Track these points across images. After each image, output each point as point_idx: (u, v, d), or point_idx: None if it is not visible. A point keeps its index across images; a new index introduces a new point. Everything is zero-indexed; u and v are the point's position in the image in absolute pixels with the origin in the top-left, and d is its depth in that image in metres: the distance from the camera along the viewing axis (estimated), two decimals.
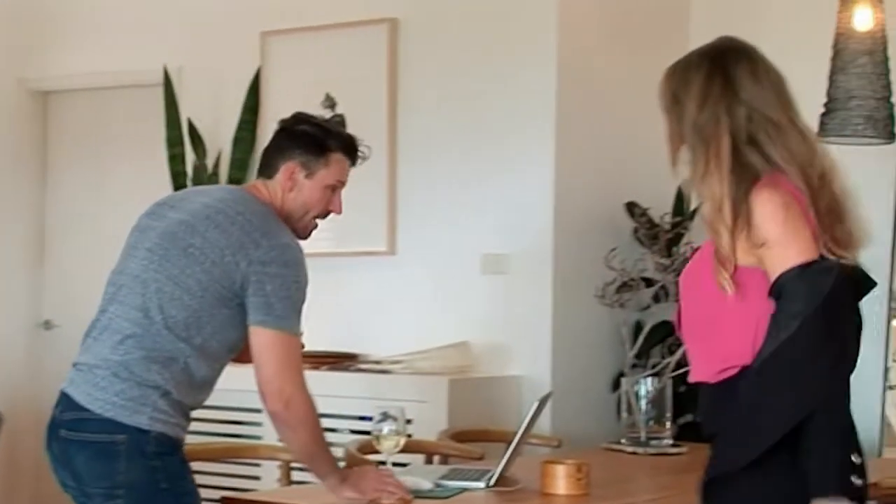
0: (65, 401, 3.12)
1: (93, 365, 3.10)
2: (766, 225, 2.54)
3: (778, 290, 2.49)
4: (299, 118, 3.40)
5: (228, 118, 5.82)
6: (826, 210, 2.62)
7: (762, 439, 2.47)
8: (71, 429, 3.08)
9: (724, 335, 2.58)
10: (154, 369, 3.06)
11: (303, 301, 3.15)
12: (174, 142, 5.83)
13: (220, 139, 5.85)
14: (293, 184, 3.27)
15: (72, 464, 3.09)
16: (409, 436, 3.49)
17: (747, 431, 2.51)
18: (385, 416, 3.42)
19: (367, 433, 4.73)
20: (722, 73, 2.66)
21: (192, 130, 5.83)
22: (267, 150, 3.37)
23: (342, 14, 5.56)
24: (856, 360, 2.53)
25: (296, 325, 3.14)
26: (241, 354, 3.22)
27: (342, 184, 3.34)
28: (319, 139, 3.31)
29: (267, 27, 5.76)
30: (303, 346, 3.25)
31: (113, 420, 3.03)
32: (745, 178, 2.58)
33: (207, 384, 3.20)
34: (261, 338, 3.09)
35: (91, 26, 6.29)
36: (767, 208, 2.54)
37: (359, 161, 3.39)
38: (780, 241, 2.53)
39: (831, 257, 2.56)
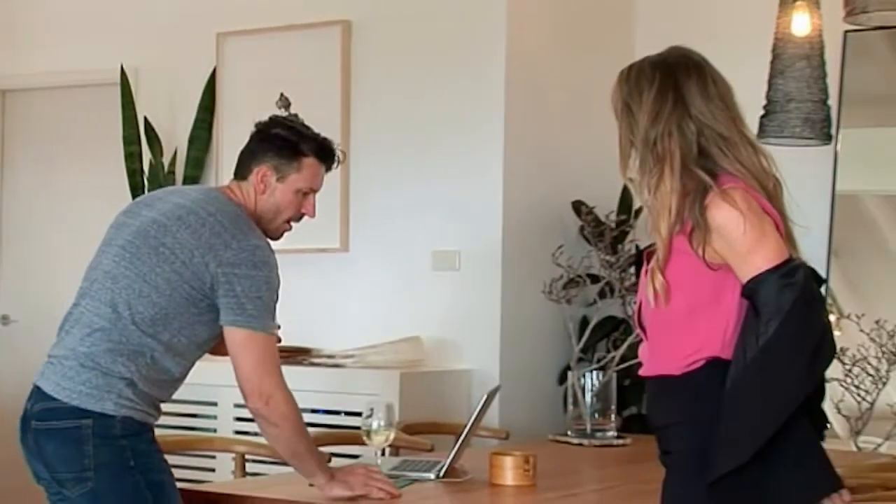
0: (36, 393, 3.10)
1: (62, 356, 3.08)
2: (730, 241, 2.56)
3: (749, 291, 2.52)
4: (274, 121, 3.35)
5: (184, 117, 5.78)
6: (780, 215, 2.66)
7: (768, 428, 2.49)
8: (40, 419, 3.06)
9: (697, 329, 2.60)
10: (120, 361, 3.04)
11: (275, 300, 3.12)
12: (130, 140, 5.78)
13: (176, 138, 5.81)
14: (265, 186, 3.23)
15: (43, 453, 3.06)
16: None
17: (750, 421, 2.51)
18: (373, 412, 3.38)
19: (321, 425, 4.74)
20: (674, 89, 2.67)
21: (149, 129, 5.79)
22: (242, 152, 3.32)
23: (296, 16, 5.54)
24: (835, 349, 2.58)
25: (269, 323, 3.11)
26: (218, 346, 3.19)
27: (314, 189, 3.30)
28: (292, 143, 3.25)
29: (222, 28, 5.73)
30: (279, 340, 3.23)
31: (79, 407, 3.01)
32: (697, 193, 2.60)
33: (175, 380, 3.18)
34: (235, 337, 3.07)
35: (48, 26, 6.23)
36: (729, 225, 2.56)
37: (334, 166, 3.35)
38: (748, 251, 2.55)
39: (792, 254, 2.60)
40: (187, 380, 3.31)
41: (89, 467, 3.01)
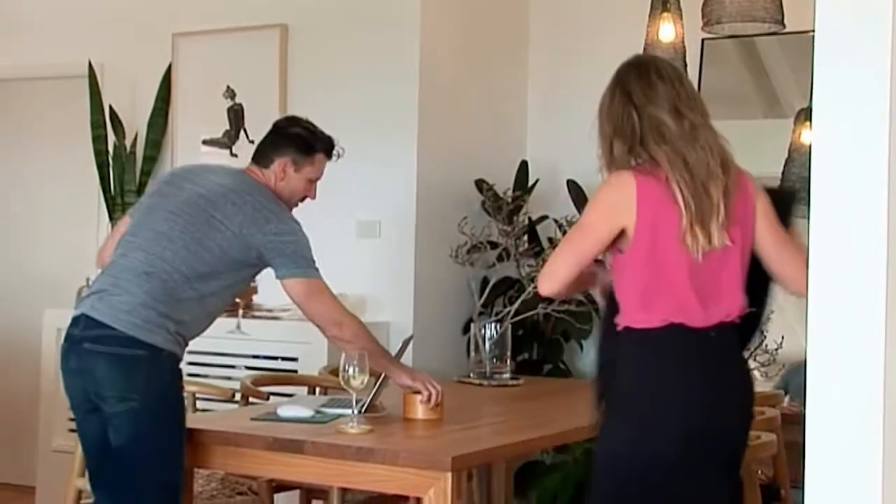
0: (86, 320, 3.05)
1: (118, 295, 3.05)
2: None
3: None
4: (293, 121, 3.48)
5: (144, 105, 5.67)
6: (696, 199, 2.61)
7: None
8: (94, 342, 3.02)
9: None
10: (173, 304, 3.07)
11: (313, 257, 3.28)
12: (97, 125, 5.66)
13: (136, 123, 5.70)
14: (284, 175, 3.37)
15: (90, 372, 3.01)
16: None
17: None
18: (348, 362, 3.23)
19: (261, 369, 4.69)
20: (620, 86, 2.69)
21: (113, 115, 5.67)
22: (263, 143, 3.43)
23: (241, 20, 5.45)
24: None
25: (318, 272, 3.25)
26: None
27: (319, 178, 3.46)
28: (309, 142, 3.41)
29: (178, 29, 5.61)
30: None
31: (135, 338, 3.00)
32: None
33: (207, 324, 3.25)
34: (297, 287, 3.21)
35: (27, 25, 6.06)
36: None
37: (333, 158, 3.49)
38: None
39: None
40: None
41: (134, 390, 2.99)
